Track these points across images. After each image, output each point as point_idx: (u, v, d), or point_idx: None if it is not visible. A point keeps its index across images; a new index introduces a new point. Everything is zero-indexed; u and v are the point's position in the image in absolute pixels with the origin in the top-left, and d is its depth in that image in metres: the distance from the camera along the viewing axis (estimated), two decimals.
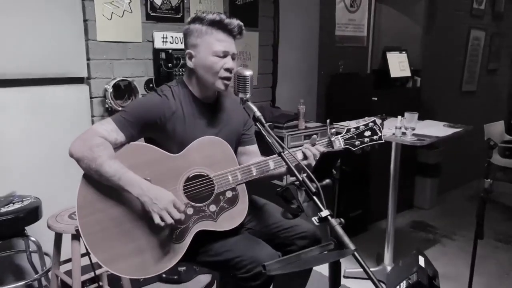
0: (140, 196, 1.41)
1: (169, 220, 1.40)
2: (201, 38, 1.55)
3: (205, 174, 1.54)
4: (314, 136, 1.65)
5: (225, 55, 1.55)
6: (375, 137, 1.70)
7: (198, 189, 1.53)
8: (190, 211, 1.51)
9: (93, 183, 1.45)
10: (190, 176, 1.53)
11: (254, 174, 1.56)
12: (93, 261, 1.97)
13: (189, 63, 1.58)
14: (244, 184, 1.58)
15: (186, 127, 1.57)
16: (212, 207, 1.54)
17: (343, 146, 1.67)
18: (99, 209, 1.44)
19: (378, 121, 1.74)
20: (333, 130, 1.68)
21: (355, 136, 1.69)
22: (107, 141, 1.45)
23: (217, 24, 1.54)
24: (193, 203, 1.52)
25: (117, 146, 1.48)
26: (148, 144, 1.54)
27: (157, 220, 1.40)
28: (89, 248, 1.42)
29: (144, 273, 1.47)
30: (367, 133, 1.70)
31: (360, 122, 1.72)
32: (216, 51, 1.53)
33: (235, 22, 1.56)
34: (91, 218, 1.43)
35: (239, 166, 1.57)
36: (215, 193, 1.54)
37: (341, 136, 1.68)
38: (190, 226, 1.51)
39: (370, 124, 1.71)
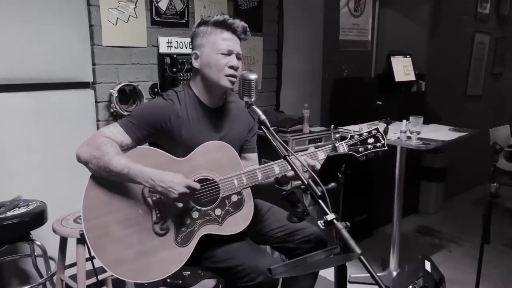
0: (154, 187, 1.42)
1: (189, 201, 1.47)
2: (206, 38, 1.57)
3: (211, 178, 1.54)
4: (312, 147, 1.67)
5: (229, 53, 1.56)
6: (378, 144, 1.70)
7: (204, 193, 1.53)
8: (195, 214, 1.51)
9: (99, 186, 1.46)
10: (196, 180, 1.53)
11: (259, 178, 1.56)
12: (97, 265, 1.97)
13: (195, 64, 1.60)
14: (249, 189, 1.59)
15: (191, 132, 1.57)
16: (218, 211, 1.54)
17: (347, 152, 1.67)
18: (104, 213, 1.44)
19: (382, 128, 1.74)
20: (338, 135, 1.69)
21: (358, 143, 1.69)
22: (113, 140, 1.47)
23: (221, 24, 1.57)
24: (199, 207, 1.52)
25: (123, 149, 1.49)
26: (155, 148, 1.55)
27: (179, 205, 1.45)
28: (94, 251, 1.42)
29: (148, 277, 1.46)
30: (371, 140, 1.70)
31: (364, 129, 1.72)
32: (221, 49, 1.55)
33: (239, 22, 1.58)
34: (96, 221, 1.43)
35: (245, 170, 1.57)
36: (221, 197, 1.54)
37: (345, 142, 1.69)
38: (196, 229, 1.51)
39: (373, 132, 1.71)
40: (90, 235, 1.42)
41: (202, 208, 1.52)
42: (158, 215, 1.48)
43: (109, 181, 1.45)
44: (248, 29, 1.61)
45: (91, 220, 1.43)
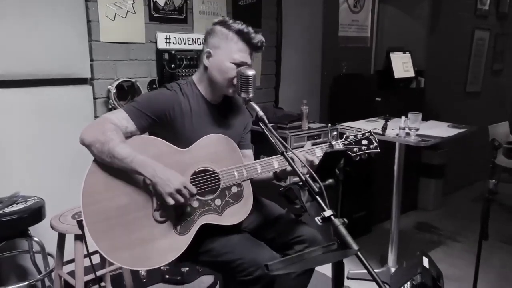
0: (153, 177, 1.42)
1: (181, 200, 1.43)
2: (225, 42, 1.58)
3: (212, 169, 1.56)
4: (309, 142, 1.70)
5: (242, 65, 1.58)
6: (371, 146, 1.76)
7: (204, 183, 1.54)
8: (195, 204, 1.52)
9: (101, 171, 1.45)
10: (197, 170, 1.54)
11: (259, 171, 1.58)
12: (95, 262, 1.97)
13: (205, 62, 1.61)
14: (249, 181, 1.61)
15: (193, 124, 1.59)
16: (218, 201, 1.55)
17: (344, 149, 1.71)
18: (104, 198, 1.44)
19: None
20: (335, 133, 1.72)
21: (353, 143, 1.74)
22: (118, 127, 1.47)
23: (243, 35, 1.58)
24: (199, 197, 1.53)
25: (127, 135, 1.49)
26: (157, 138, 1.55)
27: (170, 201, 1.42)
28: (92, 237, 1.41)
29: (147, 265, 1.46)
30: (364, 142, 1.76)
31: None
32: (235, 59, 1.57)
33: (260, 37, 1.61)
34: (96, 207, 1.42)
35: (245, 163, 1.59)
36: (221, 188, 1.56)
37: (341, 141, 1.73)
38: (196, 218, 1.52)
39: (367, 134, 1.77)
40: (89, 220, 1.41)
41: (202, 198, 1.54)
42: (159, 202, 1.48)
43: (110, 167, 1.45)
44: (264, 43, 1.63)
45: (90, 205, 1.42)
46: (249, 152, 1.81)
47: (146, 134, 1.58)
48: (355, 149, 1.73)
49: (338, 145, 1.70)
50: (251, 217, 1.69)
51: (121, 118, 1.49)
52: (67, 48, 2.34)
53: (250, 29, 1.59)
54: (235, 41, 1.57)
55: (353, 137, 1.75)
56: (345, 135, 1.75)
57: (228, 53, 1.57)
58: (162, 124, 1.55)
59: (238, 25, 1.58)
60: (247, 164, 1.59)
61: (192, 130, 1.58)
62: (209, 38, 1.62)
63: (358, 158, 1.74)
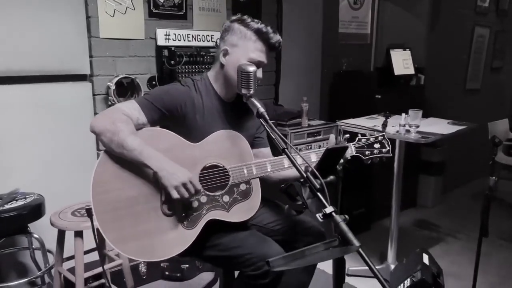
0: (159, 170, 1.42)
1: (186, 195, 1.42)
2: (243, 41, 1.57)
3: (221, 165, 1.56)
4: (332, 135, 1.69)
5: (258, 65, 1.57)
6: (384, 150, 1.75)
7: (213, 178, 1.55)
8: (203, 199, 1.53)
9: (111, 162, 1.45)
10: (207, 165, 1.55)
11: (269, 170, 1.58)
12: (94, 247, 1.95)
13: (222, 59, 1.61)
14: (258, 180, 1.61)
15: (204, 121, 1.59)
16: (226, 198, 1.56)
17: (354, 153, 1.70)
18: (113, 189, 1.44)
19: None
20: (347, 135, 1.72)
21: (365, 146, 1.73)
22: (129, 118, 1.47)
23: (262, 34, 1.57)
24: (208, 192, 1.53)
25: (138, 127, 1.49)
26: (168, 131, 1.55)
27: (174, 194, 1.42)
28: (100, 226, 1.41)
29: (153, 257, 1.47)
30: (377, 145, 1.75)
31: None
32: (252, 58, 1.56)
33: (278, 37, 1.60)
34: (105, 197, 1.43)
35: (255, 161, 1.59)
36: (230, 184, 1.56)
37: (353, 144, 1.72)
38: (203, 214, 1.52)
39: (380, 138, 1.76)
40: (98, 210, 1.41)
41: (211, 193, 1.54)
42: (168, 195, 1.48)
43: (121, 157, 1.45)
44: (281, 43, 1.63)
45: (100, 194, 1.42)
46: (267, 150, 1.80)
47: (157, 127, 1.58)
48: (367, 152, 1.72)
49: (350, 148, 1.69)
50: (258, 214, 1.70)
51: (132, 109, 1.50)
52: (66, 45, 2.33)
53: (269, 28, 1.58)
54: (253, 40, 1.57)
55: (365, 140, 1.74)
56: (357, 138, 1.74)
57: (245, 52, 1.56)
58: (173, 119, 1.56)
59: (257, 24, 1.57)
60: (257, 161, 1.59)
61: (203, 126, 1.58)
62: (226, 36, 1.61)
63: (370, 161, 1.73)
